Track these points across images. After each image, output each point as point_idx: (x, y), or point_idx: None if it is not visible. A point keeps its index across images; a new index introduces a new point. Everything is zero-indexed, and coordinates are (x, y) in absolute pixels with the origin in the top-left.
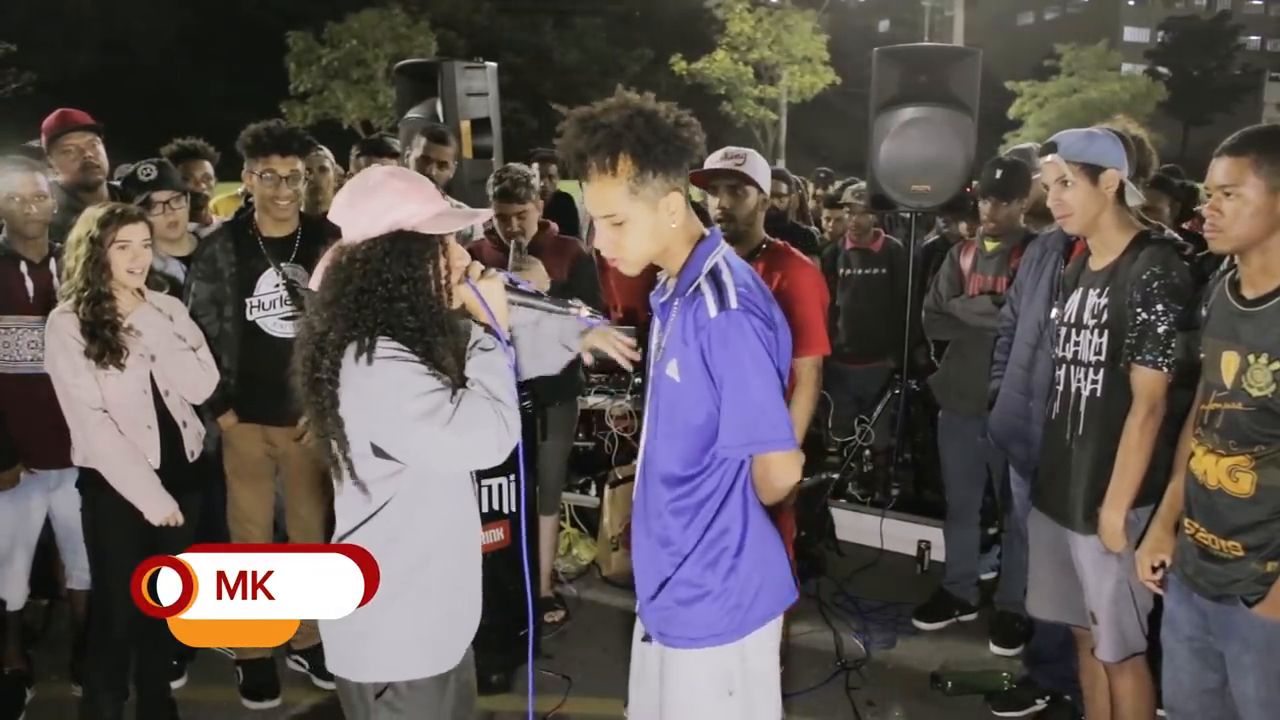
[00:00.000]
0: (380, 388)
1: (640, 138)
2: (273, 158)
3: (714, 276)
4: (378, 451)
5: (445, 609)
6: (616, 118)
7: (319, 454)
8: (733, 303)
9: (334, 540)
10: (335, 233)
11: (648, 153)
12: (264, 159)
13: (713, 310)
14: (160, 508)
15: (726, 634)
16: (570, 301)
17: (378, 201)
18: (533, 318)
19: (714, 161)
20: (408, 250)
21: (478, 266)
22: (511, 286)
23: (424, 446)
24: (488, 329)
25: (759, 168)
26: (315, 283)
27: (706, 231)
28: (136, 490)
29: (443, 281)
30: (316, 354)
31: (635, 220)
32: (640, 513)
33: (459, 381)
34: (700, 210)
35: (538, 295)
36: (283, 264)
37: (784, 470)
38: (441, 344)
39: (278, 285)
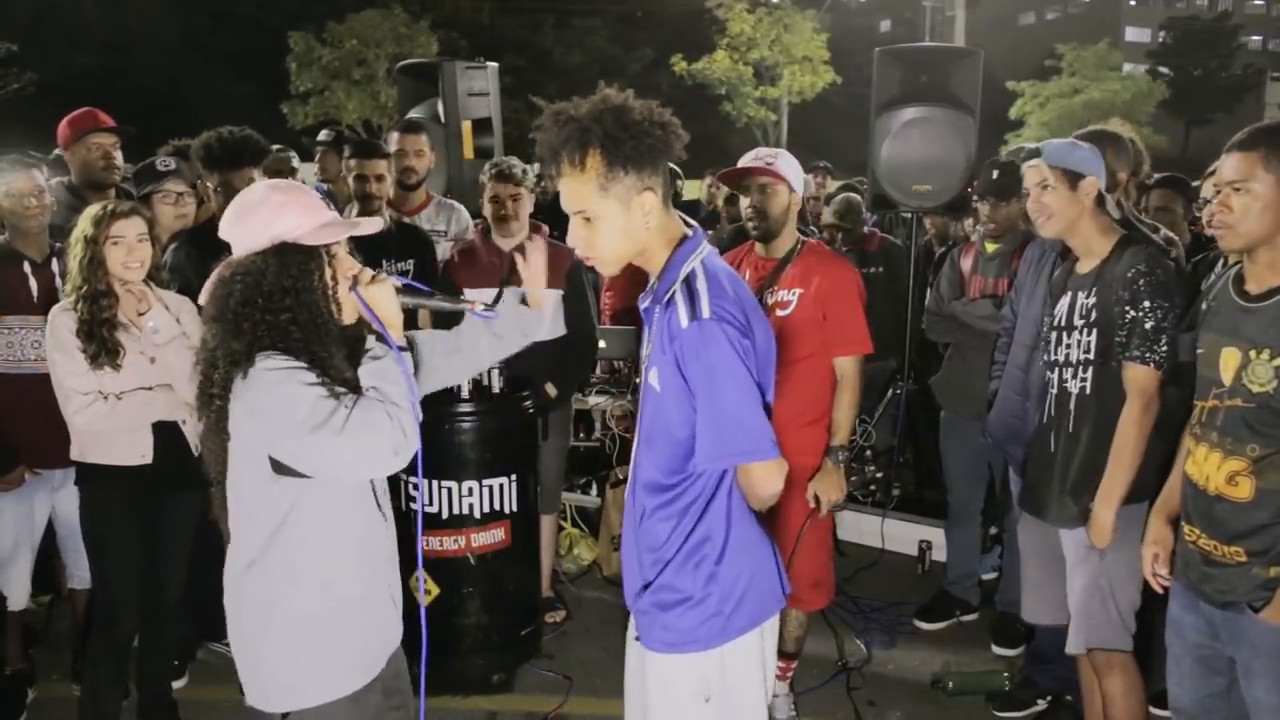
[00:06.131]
0: (270, 401)
1: (608, 132)
2: (228, 172)
3: (688, 284)
4: (277, 467)
5: (354, 630)
6: (586, 111)
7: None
8: (705, 312)
9: (227, 570)
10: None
11: (617, 148)
12: (220, 173)
13: (684, 320)
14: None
15: (706, 641)
16: (463, 298)
17: (259, 216)
18: (489, 315)
19: (744, 161)
20: (288, 262)
21: (367, 273)
22: (403, 289)
23: (319, 455)
24: (379, 336)
25: (791, 167)
26: (203, 298)
27: (689, 232)
28: (144, 419)
29: (329, 292)
30: (209, 368)
31: (606, 218)
32: (629, 516)
33: (357, 391)
34: (691, 208)
35: (430, 294)
36: None
37: (765, 480)
38: (337, 355)
39: None
